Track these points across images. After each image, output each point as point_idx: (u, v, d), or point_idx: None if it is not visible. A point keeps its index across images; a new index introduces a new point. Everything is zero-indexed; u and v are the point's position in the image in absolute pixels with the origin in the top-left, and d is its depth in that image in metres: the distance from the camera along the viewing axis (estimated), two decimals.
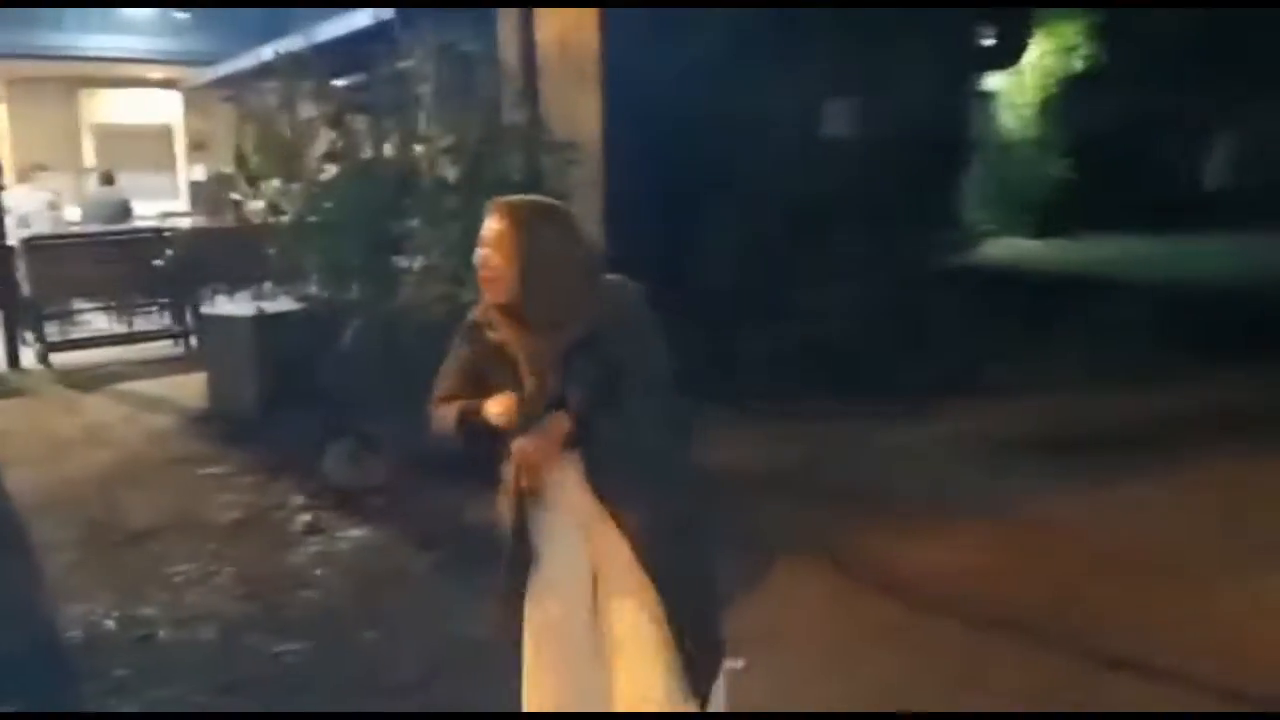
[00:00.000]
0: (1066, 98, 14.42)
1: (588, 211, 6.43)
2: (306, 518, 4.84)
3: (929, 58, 7.63)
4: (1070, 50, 14.34)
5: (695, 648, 2.32)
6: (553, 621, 2.35)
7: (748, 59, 6.71)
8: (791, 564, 4.22)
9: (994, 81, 14.47)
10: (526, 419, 2.22)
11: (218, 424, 6.29)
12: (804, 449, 5.66)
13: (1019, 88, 14.77)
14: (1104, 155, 13.58)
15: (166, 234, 8.68)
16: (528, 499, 2.33)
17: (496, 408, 2.20)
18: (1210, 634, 3.56)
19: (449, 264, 5.68)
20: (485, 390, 2.27)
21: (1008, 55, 12.83)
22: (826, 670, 3.41)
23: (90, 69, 14.85)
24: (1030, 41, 13.46)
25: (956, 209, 10.68)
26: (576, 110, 6.54)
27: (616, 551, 2.30)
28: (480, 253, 2.26)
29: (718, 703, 2.44)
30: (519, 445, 2.24)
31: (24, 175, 10.56)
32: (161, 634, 3.80)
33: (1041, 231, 14.23)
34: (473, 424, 2.26)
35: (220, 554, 4.49)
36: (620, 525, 2.28)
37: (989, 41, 11.51)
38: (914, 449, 5.64)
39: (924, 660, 3.46)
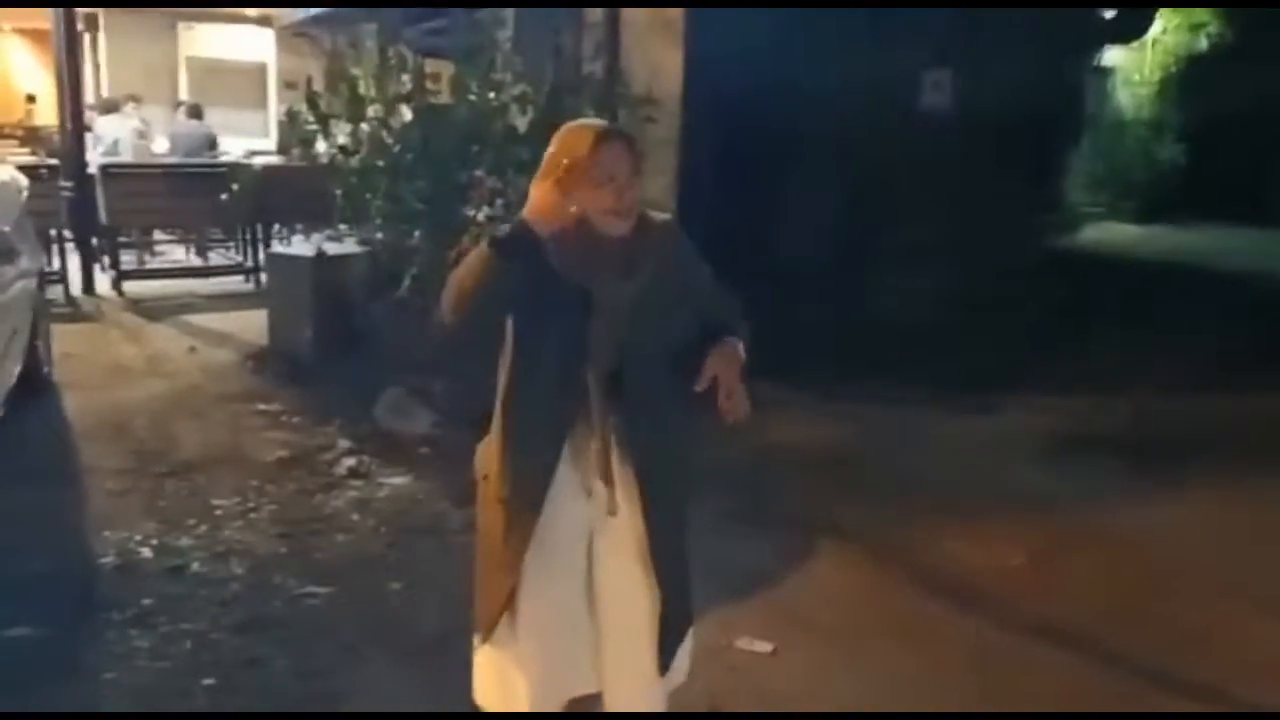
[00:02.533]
0: (1187, 78, 13.68)
1: (661, 171, 6.24)
2: (350, 462, 4.80)
3: (1043, 27, 7.22)
4: (1197, 28, 13.58)
5: (673, 615, 2.24)
6: (545, 582, 2.20)
7: (843, 20, 6.41)
8: (831, 550, 4.10)
9: (1113, 56, 13.74)
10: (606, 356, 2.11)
11: (275, 362, 6.29)
12: (862, 433, 5.48)
13: (1139, 64, 14.05)
14: (1220, 141, 12.87)
15: (240, 169, 8.70)
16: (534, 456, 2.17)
17: (539, 198, 2.00)
18: (1261, 656, 3.38)
19: (514, 216, 5.56)
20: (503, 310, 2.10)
21: (1130, 29, 12.12)
22: (854, 664, 3.29)
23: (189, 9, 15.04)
24: (1156, 16, 12.73)
25: (1059, 189, 10.21)
26: (658, 65, 6.32)
27: (622, 514, 2.18)
28: (614, 184, 2.06)
29: (681, 666, 2.34)
30: (723, 369, 2.15)
31: (114, 105, 10.72)
32: (193, 566, 3.79)
33: (1146, 217, 13.59)
34: (505, 240, 2.01)
35: (261, 491, 4.48)
36: (640, 476, 2.17)
37: (1111, 14, 10.88)
38: (978, 442, 5.41)
39: (955, 662, 3.32)
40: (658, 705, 2.31)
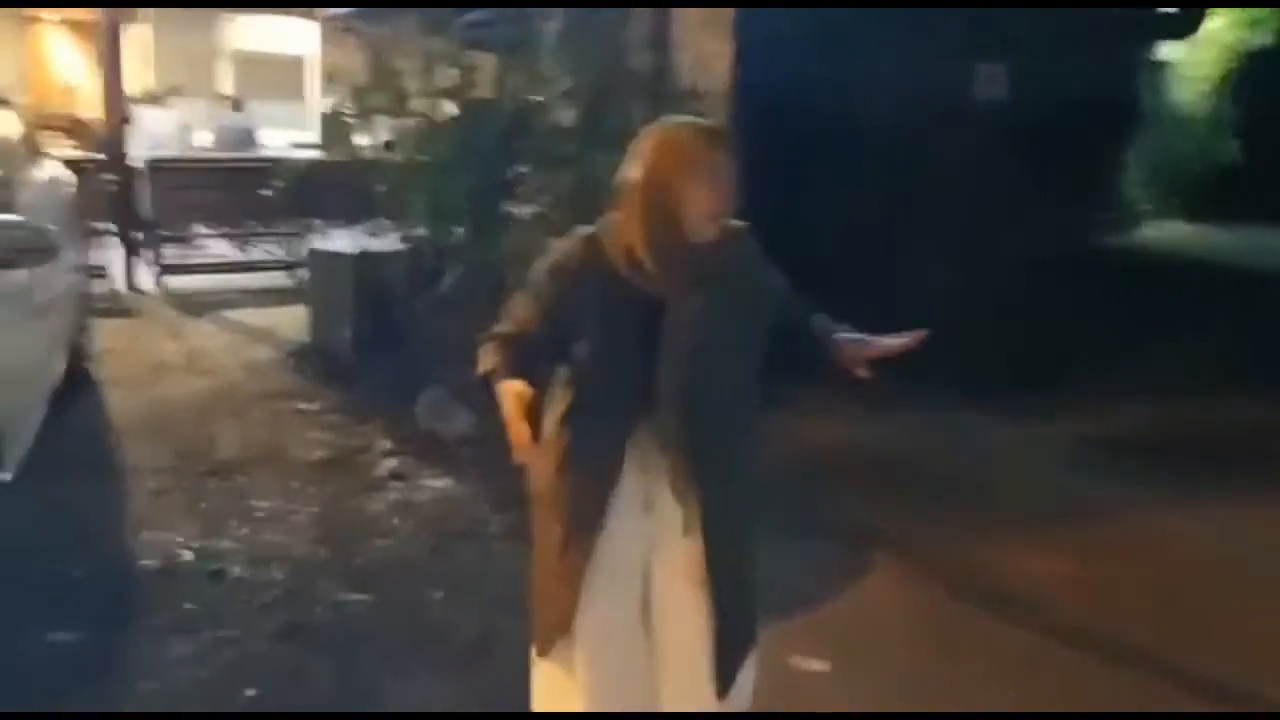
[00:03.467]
0: (1245, 73, 13.31)
1: None
2: (391, 463, 4.74)
3: (1097, 21, 7.01)
4: (1256, 24, 13.20)
5: (730, 636, 2.14)
6: (604, 600, 2.12)
7: (894, 14, 6.25)
8: (881, 562, 3.99)
9: (1169, 51, 13.40)
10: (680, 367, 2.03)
11: (315, 359, 6.25)
12: (909, 439, 5.34)
13: (1196, 59, 13.69)
14: (1278, 138, 12.50)
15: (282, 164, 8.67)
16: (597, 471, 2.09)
17: (518, 425, 1.95)
18: None
19: (558, 214, 5.46)
20: (566, 338, 2.07)
21: (1184, 25, 11.81)
22: (911, 682, 3.16)
23: None
24: (1207, 13, 12.39)
25: (1112, 186, 9.94)
26: (707, 58, 6.19)
27: (676, 538, 2.09)
28: (717, 184, 2.01)
29: (744, 692, 2.22)
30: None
31: (156, 98, 10.76)
32: (235, 570, 3.73)
33: (1201, 216, 13.24)
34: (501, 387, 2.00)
35: (301, 493, 4.43)
36: (703, 492, 2.07)
37: (1167, 8, 10.58)
38: (1029, 447, 5.28)
39: (1012, 678, 3.20)
40: None
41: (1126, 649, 3.38)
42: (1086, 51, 7.07)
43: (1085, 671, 3.26)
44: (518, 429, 1.96)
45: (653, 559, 2.13)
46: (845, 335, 2.24)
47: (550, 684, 2.22)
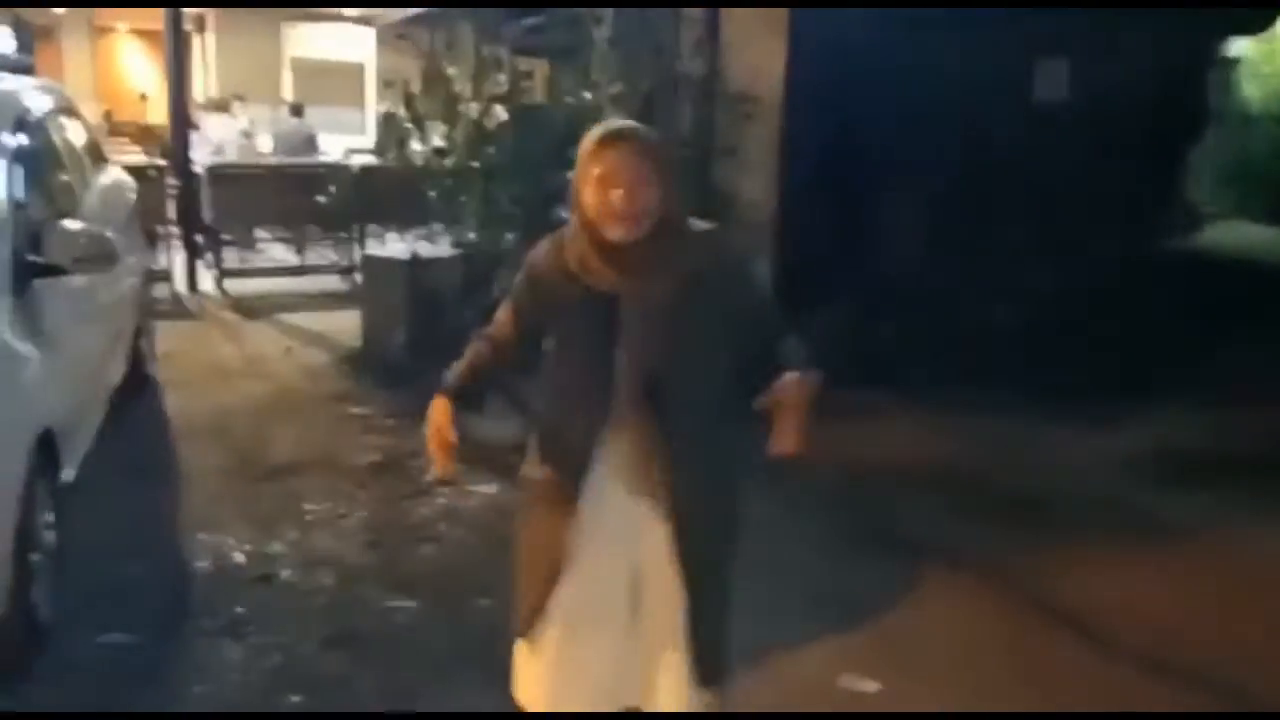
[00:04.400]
0: None
1: (760, 170, 6.07)
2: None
3: (1163, 16, 6.81)
4: None
5: (703, 626, 2.20)
6: (584, 586, 2.19)
7: (952, 12, 6.13)
8: (939, 576, 3.89)
9: (1240, 47, 13.02)
10: (637, 369, 2.10)
11: (368, 364, 6.30)
12: (971, 448, 5.22)
13: (1268, 55, 13.28)
14: None
15: (337, 169, 8.79)
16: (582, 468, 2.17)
17: (436, 444, 2.25)
18: None
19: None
20: (541, 336, 2.22)
21: (1256, 21, 11.46)
22: (967, 704, 3.06)
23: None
24: None
25: (1180, 186, 9.67)
26: (760, 60, 6.14)
27: (658, 523, 2.16)
28: (615, 189, 2.03)
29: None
30: (793, 398, 2.05)
31: (220, 105, 10.97)
32: (284, 574, 3.76)
33: (1275, 217, 12.84)
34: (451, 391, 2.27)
35: (352, 497, 4.46)
36: (674, 486, 2.14)
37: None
38: (1097, 459, 5.13)
39: (1076, 701, 3.11)
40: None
41: (1196, 670, 3.27)
42: (1153, 48, 6.90)
43: (1153, 694, 3.16)
44: (434, 440, 2.25)
45: (640, 544, 2.18)
46: (788, 376, 2.06)
47: (531, 668, 2.28)
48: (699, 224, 2.21)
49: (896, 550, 4.07)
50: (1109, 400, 5.67)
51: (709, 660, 2.20)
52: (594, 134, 2.10)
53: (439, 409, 2.28)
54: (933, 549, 4.08)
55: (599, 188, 2.03)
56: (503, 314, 2.31)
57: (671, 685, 2.21)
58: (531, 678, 2.29)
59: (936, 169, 6.36)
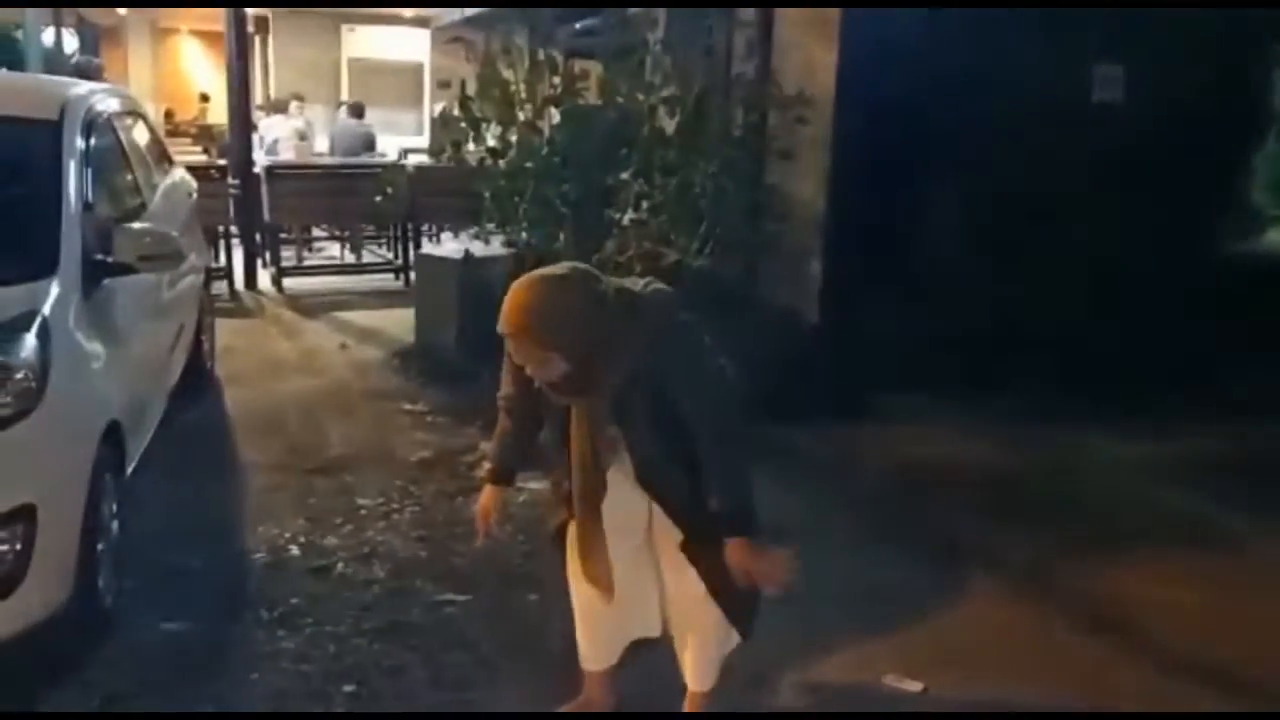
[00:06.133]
0: None
1: (812, 173, 6.06)
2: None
3: (1224, 17, 6.68)
4: None
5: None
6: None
7: (1007, 14, 6.07)
8: (983, 580, 3.88)
9: None
10: (595, 462, 2.42)
11: (421, 361, 6.39)
12: (1015, 453, 5.19)
13: None
14: None
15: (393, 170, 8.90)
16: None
17: (481, 520, 2.78)
18: None
19: (657, 221, 5.49)
20: (537, 399, 2.49)
21: None
22: (1009, 707, 3.06)
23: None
24: None
25: (1242, 191, 9.45)
26: (812, 63, 6.12)
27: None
28: (528, 367, 2.33)
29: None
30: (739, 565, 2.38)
31: (279, 106, 11.16)
32: (338, 566, 3.84)
33: None
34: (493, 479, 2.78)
35: (405, 491, 4.53)
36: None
37: None
38: (1145, 466, 5.07)
39: (1109, 704, 3.10)
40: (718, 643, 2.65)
41: (1236, 674, 3.24)
42: (1213, 49, 6.76)
43: (1192, 697, 3.14)
44: (480, 518, 2.76)
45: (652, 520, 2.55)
46: (729, 527, 2.38)
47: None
48: (640, 297, 2.35)
49: (935, 553, 4.06)
50: (1157, 407, 5.60)
51: (732, 605, 2.51)
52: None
53: (487, 495, 2.75)
54: (972, 552, 4.07)
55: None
56: (505, 379, 2.60)
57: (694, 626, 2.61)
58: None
59: (989, 171, 6.29)
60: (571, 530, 2.60)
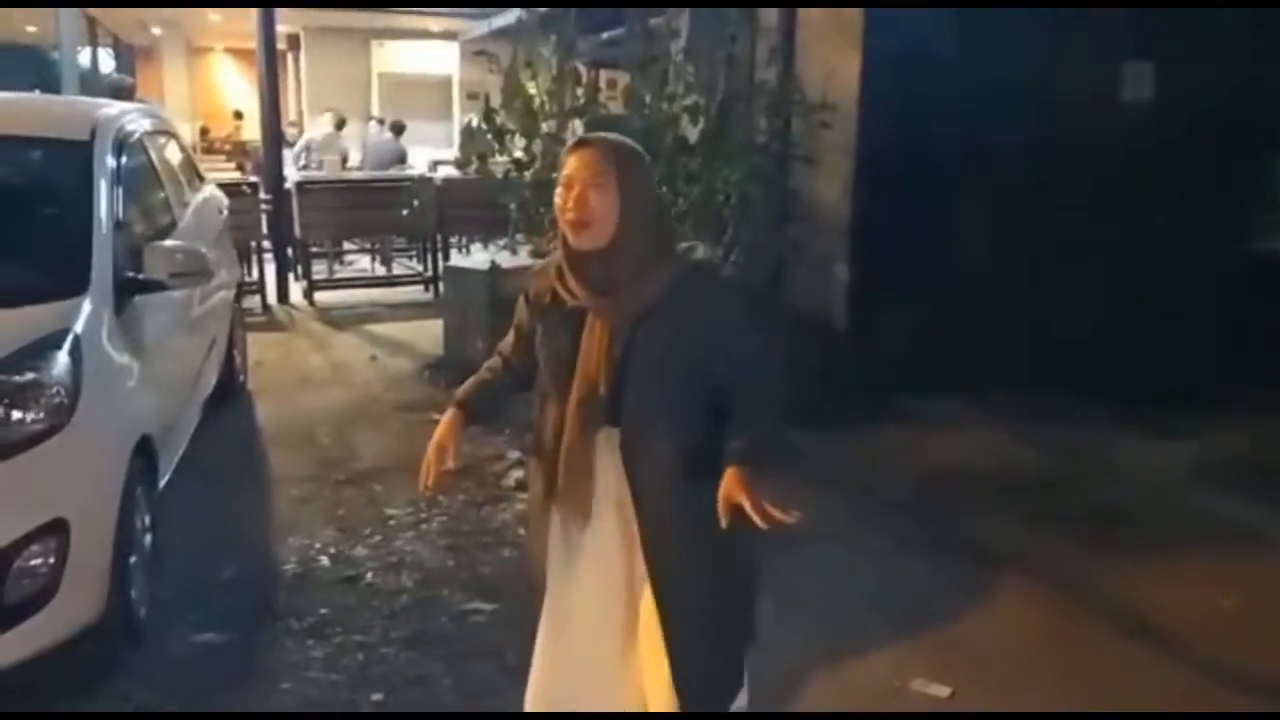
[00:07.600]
0: None
1: (837, 178, 6.05)
2: (519, 473, 4.82)
3: (1255, 13, 6.59)
4: None
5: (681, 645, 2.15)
6: (584, 593, 2.25)
7: (1033, 13, 6.02)
8: (1013, 584, 3.85)
9: None
10: (588, 401, 2.11)
11: (450, 372, 6.42)
12: (1046, 456, 5.16)
13: None
14: None
15: (421, 183, 8.99)
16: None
17: (432, 455, 2.38)
18: None
19: (684, 228, 5.49)
20: (535, 358, 2.25)
21: None
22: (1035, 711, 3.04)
23: (380, 21, 15.79)
24: None
25: (1272, 188, 9.31)
26: (834, 67, 6.11)
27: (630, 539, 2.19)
28: (572, 192, 2.06)
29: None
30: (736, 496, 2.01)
31: (312, 120, 11.30)
32: (367, 576, 3.88)
33: None
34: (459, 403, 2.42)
35: (433, 501, 4.54)
36: (641, 509, 2.14)
37: None
38: (1176, 468, 5.02)
39: (1141, 708, 3.07)
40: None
41: (1271, 679, 3.19)
42: (1244, 46, 6.67)
43: (1225, 702, 3.11)
44: (430, 451, 2.37)
45: (629, 554, 2.19)
46: (735, 453, 2.04)
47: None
48: (686, 252, 2.21)
49: (965, 556, 4.04)
50: (1188, 407, 5.52)
51: (694, 689, 2.16)
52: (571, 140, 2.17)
53: (445, 421, 2.39)
54: (1002, 555, 4.04)
55: (562, 191, 2.08)
56: (509, 335, 2.42)
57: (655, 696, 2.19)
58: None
59: (1016, 173, 6.24)
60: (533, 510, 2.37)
